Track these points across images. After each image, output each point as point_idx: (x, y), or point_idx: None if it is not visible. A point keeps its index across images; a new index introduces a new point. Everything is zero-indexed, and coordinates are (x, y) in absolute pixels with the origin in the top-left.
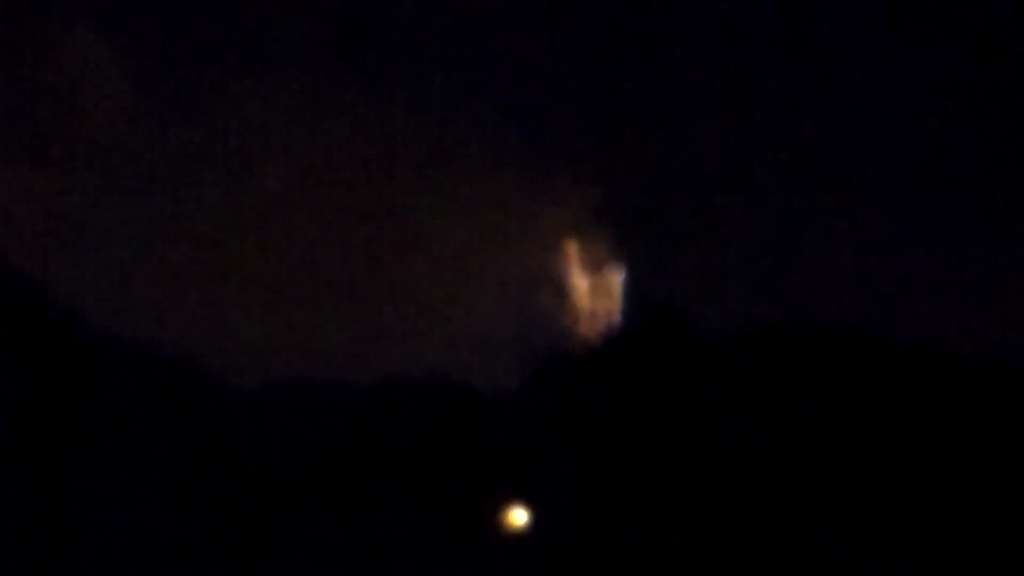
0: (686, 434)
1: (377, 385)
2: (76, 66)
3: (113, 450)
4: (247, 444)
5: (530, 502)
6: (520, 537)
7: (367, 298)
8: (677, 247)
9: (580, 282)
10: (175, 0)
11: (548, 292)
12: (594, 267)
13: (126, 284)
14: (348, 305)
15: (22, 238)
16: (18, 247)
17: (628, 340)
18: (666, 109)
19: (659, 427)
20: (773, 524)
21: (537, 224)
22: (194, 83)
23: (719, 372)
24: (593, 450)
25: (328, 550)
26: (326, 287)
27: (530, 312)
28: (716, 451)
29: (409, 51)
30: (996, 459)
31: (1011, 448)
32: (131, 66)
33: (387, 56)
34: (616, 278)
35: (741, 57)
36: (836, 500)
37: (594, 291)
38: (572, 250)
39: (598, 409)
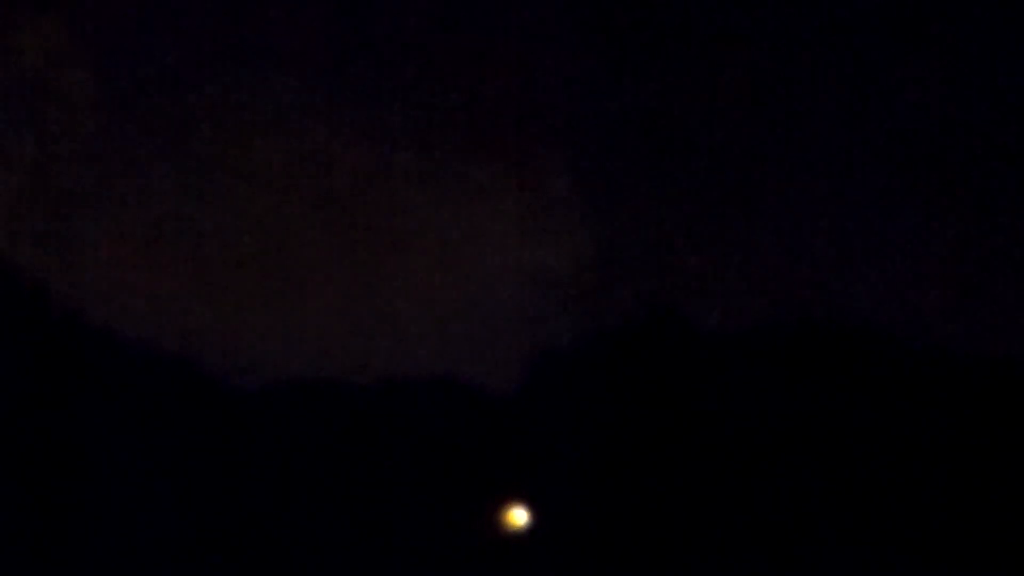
0: (687, 434)
1: (376, 385)
2: (45, 58)
3: (112, 450)
4: (247, 444)
5: (530, 502)
6: (520, 537)
7: (366, 297)
8: (677, 246)
9: (579, 280)
10: None
11: (548, 291)
12: (594, 265)
13: (124, 284)
14: (347, 305)
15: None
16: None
17: (628, 340)
18: (666, 106)
19: (659, 427)
20: (774, 524)
21: (537, 222)
22: (183, 79)
23: (719, 372)
24: (593, 450)
25: (327, 550)
26: (325, 287)
27: (530, 311)
28: (716, 451)
29: (401, 48)
30: (997, 459)
31: (1011, 448)
32: (109, 59)
33: (379, 53)
34: (615, 276)
35: (741, 51)
36: (837, 500)
37: (593, 289)
38: (571, 248)
39: (598, 409)
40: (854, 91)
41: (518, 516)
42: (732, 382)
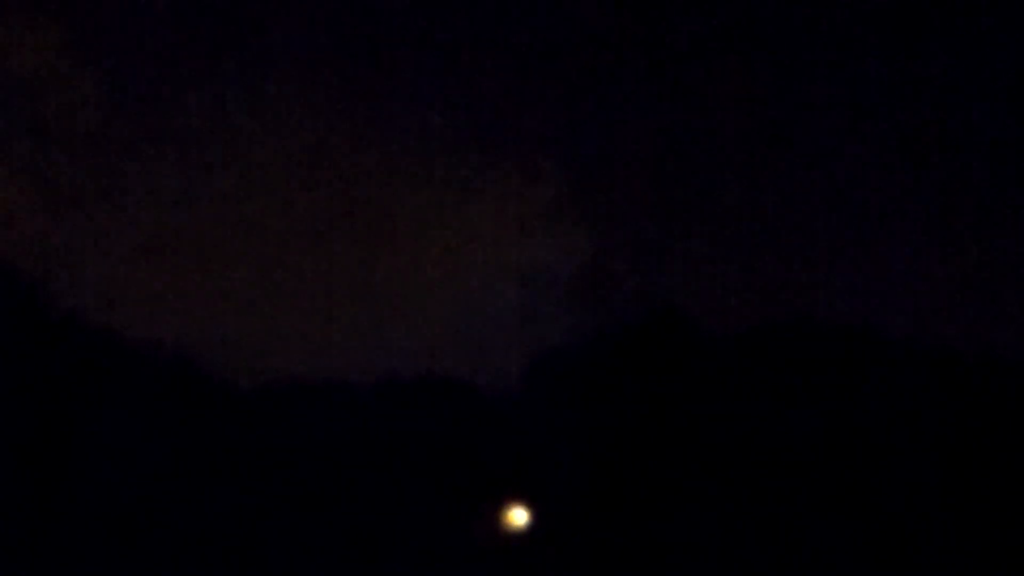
0: (686, 434)
1: (377, 385)
2: (45, 59)
3: (112, 450)
4: (247, 444)
5: (530, 502)
6: (520, 537)
7: (366, 297)
8: (675, 246)
9: (578, 280)
10: None
11: (547, 291)
12: (592, 265)
13: (123, 284)
14: (347, 305)
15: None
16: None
17: (628, 340)
18: (664, 108)
19: (659, 427)
20: (773, 524)
21: (536, 224)
22: (183, 80)
23: (719, 372)
24: (593, 450)
25: (328, 550)
26: (325, 287)
27: (529, 311)
28: (716, 451)
29: (401, 51)
30: (996, 459)
31: (1011, 448)
32: (109, 61)
33: (380, 56)
34: (614, 277)
35: (740, 50)
36: (837, 500)
37: (592, 289)
38: (570, 248)
39: (598, 409)
40: (854, 93)
41: (518, 516)
42: (730, 381)
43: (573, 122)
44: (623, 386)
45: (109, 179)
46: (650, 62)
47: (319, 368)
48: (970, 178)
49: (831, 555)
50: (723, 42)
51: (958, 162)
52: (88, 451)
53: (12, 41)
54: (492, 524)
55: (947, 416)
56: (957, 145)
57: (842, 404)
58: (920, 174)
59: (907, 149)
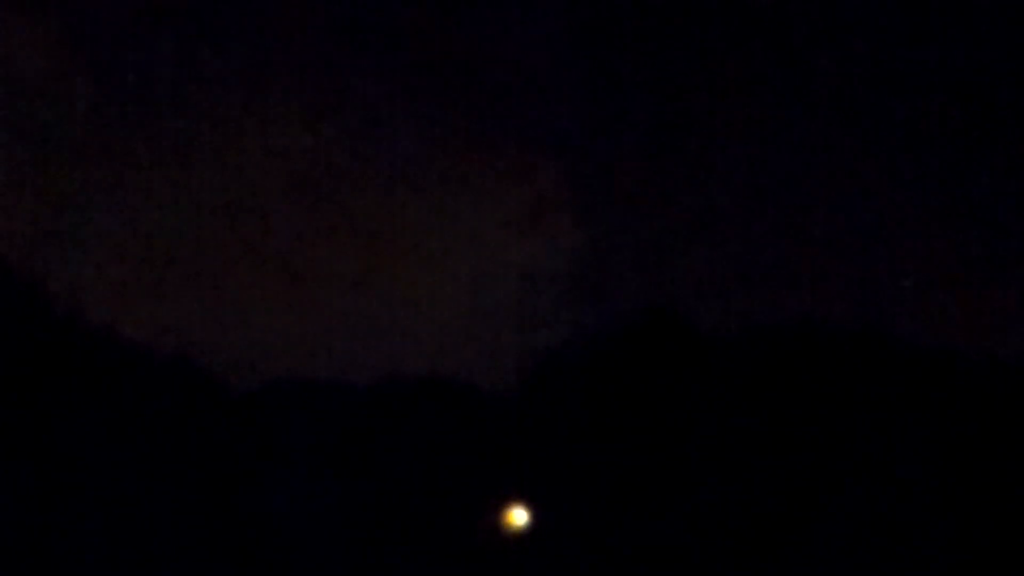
0: (686, 434)
1: (376, 385)
2: (43, 60)
3: (112, 450)
4: (246, 443)
5: (530, 502)
6: (520, 537)
7: (364, 297)
8: (672, 246)
9: (576, 279)
10: None
11: (545, 290)
12: (590, 265)
13: (124, 284)
14: (346, 305)
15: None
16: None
17: (628, 340)
18: (661, 107)
19: (659, 427)
20: (774, 524)
21: (534, 224)
22: (180, 81)
23: (719, 372)
24: (593, 450)
25: (328, 550)
26: (323, 286)
27: (527, 311)
28: (716, 451)
29: (398, 53)
30: (998, 460)
31: (1011, 448)
32: (107, 62)
33: (377, 58)
34: (612, 276)
35: (739, 49)
36: (837, 501)
37: (590, 289)
38: (568, 248)
39: (597, 408)
40: (855, 91)
41: (518, 516)
42: (730, 381)
43: (571, 120)
44: (622, 385)
45: (109, 179)
46: (648, 59)
47: (318, 368)
48: (971, 177)
49: (832, 555)
50: (722, 40)
51: (960, 161)
52: (87, 451)
53: (12, 42)
54: (492, 524)
55: (948, 416)
56: (959, 144)
57: (842, 404)
58: (921, 174)
59: (909, 148)
